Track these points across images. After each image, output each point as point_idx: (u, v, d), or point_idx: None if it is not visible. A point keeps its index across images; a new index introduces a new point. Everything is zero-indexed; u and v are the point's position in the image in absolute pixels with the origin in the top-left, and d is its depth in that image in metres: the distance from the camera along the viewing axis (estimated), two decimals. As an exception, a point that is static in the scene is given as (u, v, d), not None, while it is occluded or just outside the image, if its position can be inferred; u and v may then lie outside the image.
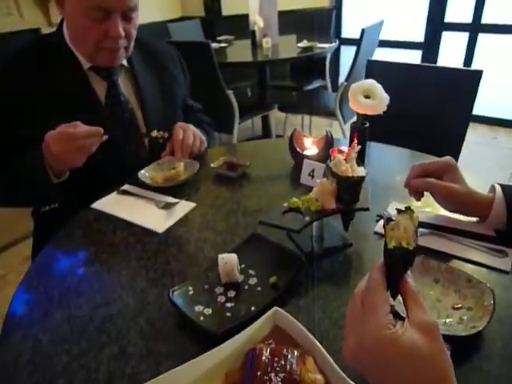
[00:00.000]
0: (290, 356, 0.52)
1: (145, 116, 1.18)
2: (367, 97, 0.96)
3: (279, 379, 0.49)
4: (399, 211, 0.46)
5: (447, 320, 0.61)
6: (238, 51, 3.17)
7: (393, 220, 0.46)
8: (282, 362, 0.51)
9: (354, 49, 2.81)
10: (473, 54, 3.52)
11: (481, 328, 0.56)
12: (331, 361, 0.52)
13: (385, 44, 3.57)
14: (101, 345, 0.62)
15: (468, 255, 0.75)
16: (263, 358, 0.52)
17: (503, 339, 0.58)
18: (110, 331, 0.64)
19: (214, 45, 2.89)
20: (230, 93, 2.53)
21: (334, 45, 2.87)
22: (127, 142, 1.15)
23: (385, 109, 0.94)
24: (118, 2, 0.97)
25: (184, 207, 0.96)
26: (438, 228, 0.82)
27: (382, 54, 3.60)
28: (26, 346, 0.63)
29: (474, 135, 3.56)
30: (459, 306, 0.63)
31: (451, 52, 3.66)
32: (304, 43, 2.82)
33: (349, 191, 0.74)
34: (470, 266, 0.73)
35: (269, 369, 0.51)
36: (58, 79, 1.04)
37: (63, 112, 0.99)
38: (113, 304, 0.69)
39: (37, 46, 1.07)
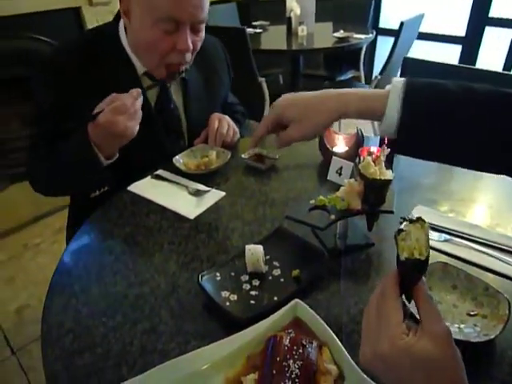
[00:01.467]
0: (308, 346, 0.56)
1: (188, 124, 1.22)
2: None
3: (297, 366, 0.54)
4: (411, 221, 0.47)
5: (461, 325, 0.64)
6: (273, 38, 3.16)
7: (404, 230, 0.47)
8: (301, 351, 0.55)
9: (391, 40, 2.75)
10: (516, 51, 3.39)
11: (493, 336, 0.58)
12: (346, 353, 0.56)
13: (423, 36, 3.47)
14: (134, 321, 0.67)
15: (488, 264, 0.76)
16: (283, 345, 0.56)
17: (515, 348, 0.60)
18: (143, 309, 0.70)
19: (249, 30, 2.88)
20: (263, 80, 2.54)
21: (371, 36, 2.82)
22: (171, 149, 1.16)
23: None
24: (190, 14, 0.96)
25: (214, 195, 1.01)
26: (461, 235, 0.83)
27: (420, 47, 3.52)
28: (67, 315, 0.69)
29: None
30: (475, 313, 0.66)
31: (493, 49, 3.52)
32: (340, 33, 2.78)
33: (375, 193, 0.77)
34: (489, 274, 0.75)
35: (288, 356, 0.55)
36: (110, 80, 1.03)
37: None
38: (146, 284, 0.75)
39: (87, 42, 1.07)
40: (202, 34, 1.06)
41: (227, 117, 1.22)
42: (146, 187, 1.05)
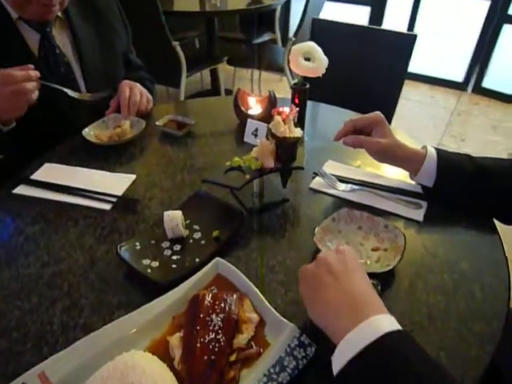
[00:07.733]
0: (228, 299, 0.59)
1: (83, 70, 1.13)
2: (307, 59, 0.99)
3: (219, 319, 0.56)
4: None
5: (368, 261, 0.71)
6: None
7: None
8: (222, 305, 0.58)
9: (304, 1, 2.78)
10: (416, 11, 3.61)
11: (392, 266, 0.66)
12: (265, 301, 0.60)
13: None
14: (52, 299, 0.65)
15: (389, 208, 0.84)
16: (205, 302, 0.58)
17: (409, 276, 0.69)
18: (61, 286, 0.67)
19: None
20: (177, 44, 2.44)
21: (283, -3, 2.83)
22: (65, 98, 1.08)
23: (323, 71, 0.99)
24: None
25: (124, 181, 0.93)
26: (365, 184, 0.90)
27: (332, 9, 3.60)
28: (-24, 303, 0.65)
29: (416, 93, 3.73)
30: (377, 247, 0.73)
31: (398, 9, 3.72)
32: (253, -6, 2.74)
33: (286, 151, 0.80)
34: (391, 217, 0.82)
35: (210, 311, 0.57)
36: None
37: None
38: (62, 261, 0.72)
39: None
40: None
41: (138, 84, 1.16)
42: (50, 175, 0.94)
